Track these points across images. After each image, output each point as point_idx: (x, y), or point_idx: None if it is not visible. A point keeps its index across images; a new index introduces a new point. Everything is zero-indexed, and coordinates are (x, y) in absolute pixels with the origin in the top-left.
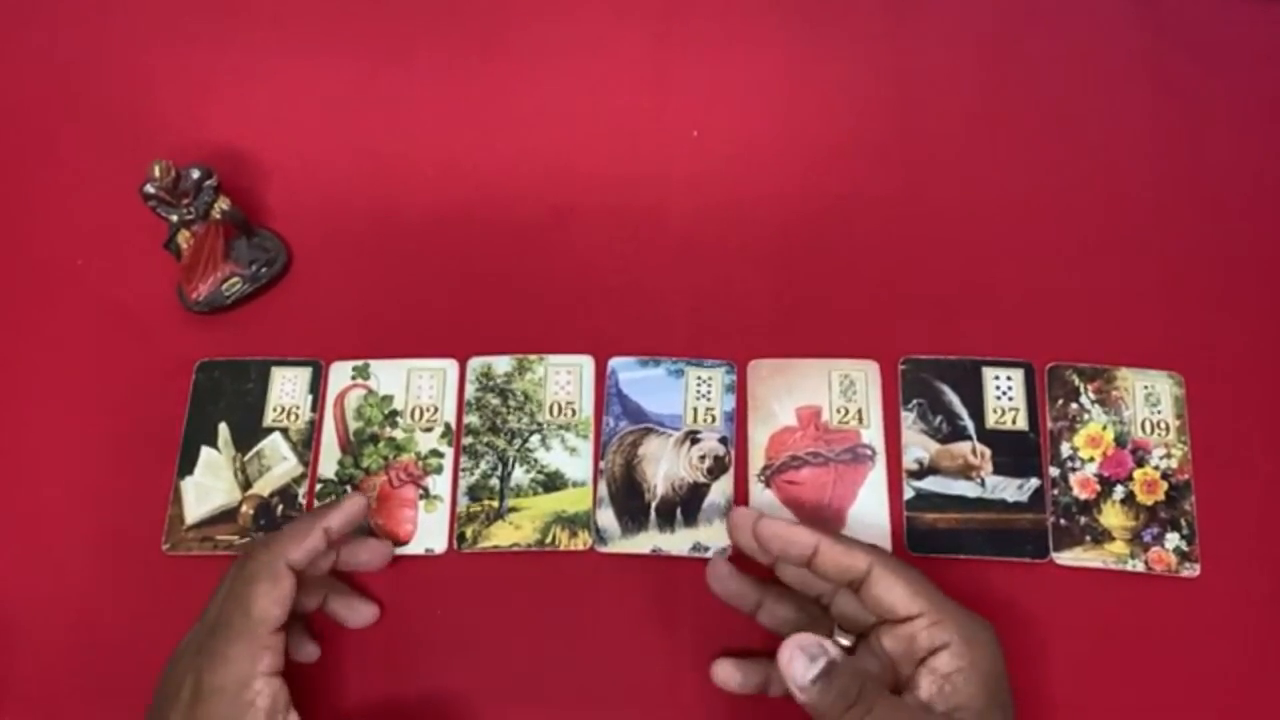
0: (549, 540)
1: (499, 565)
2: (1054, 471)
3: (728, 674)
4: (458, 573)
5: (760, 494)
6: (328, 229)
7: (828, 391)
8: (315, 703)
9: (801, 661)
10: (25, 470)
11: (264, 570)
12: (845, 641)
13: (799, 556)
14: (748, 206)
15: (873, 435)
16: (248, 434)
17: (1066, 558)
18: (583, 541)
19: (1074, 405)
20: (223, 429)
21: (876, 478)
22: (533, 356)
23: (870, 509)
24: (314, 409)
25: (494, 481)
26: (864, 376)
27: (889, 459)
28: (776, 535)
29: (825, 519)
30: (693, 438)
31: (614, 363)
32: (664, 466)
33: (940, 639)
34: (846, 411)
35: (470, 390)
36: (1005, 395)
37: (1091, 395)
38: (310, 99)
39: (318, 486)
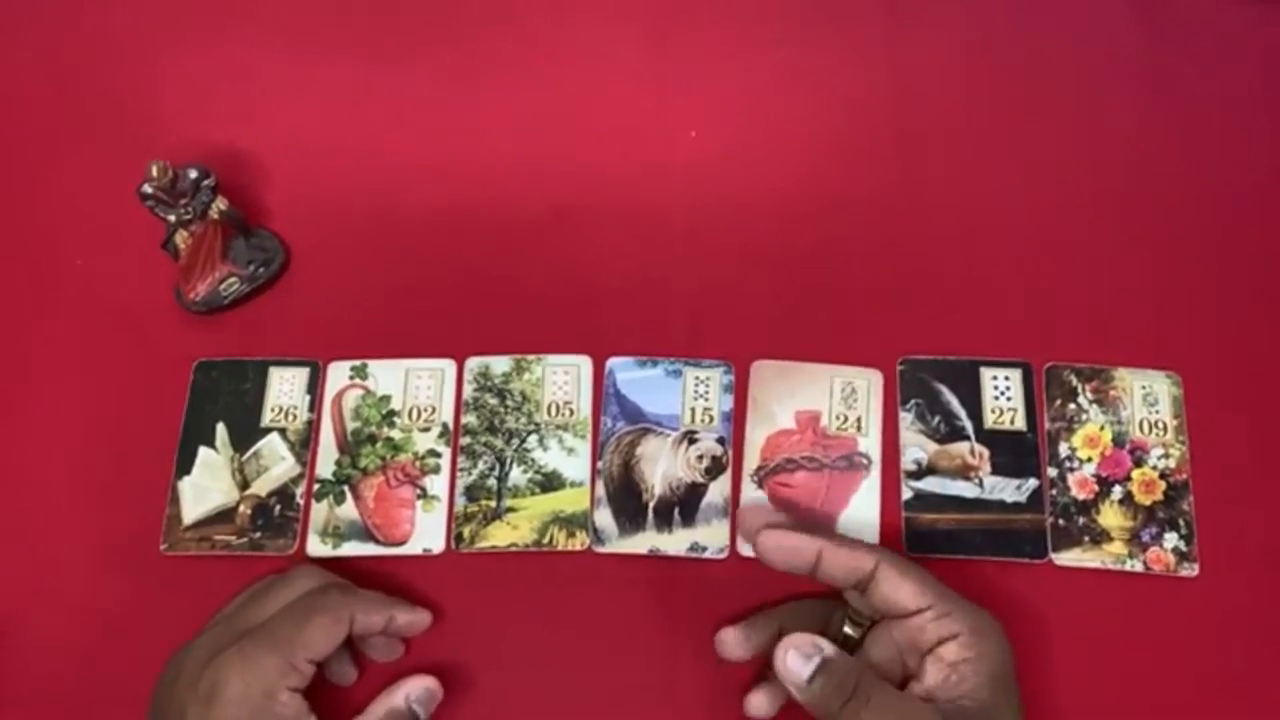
0: (546, 540)
1: (496, 565)
2: (1052, 472)
3: (735, 641)
4: (455, 573)
5: (753, 494)
6: (326, 229)
7: (828, 397)
8: (313, 702)
9: (797, 660)
10: (23, 470)
11: (334, 607)
12: (854, 632)
13: (805, 565)
14: (746, 207)
15: (870, 444)
16: (245, 434)
17: (1065, 558)
18: (580, 542)
19: (1072, 405)
20: (220, 429)
21: (870, 486)
22: (531, 356)
23: (862, 517)
24: (312, 409)
25: (491, 481)
26: (866, 385)
27: (885, 461)
28: (779, 547)
29: (816, 524)
30: (690, 438)
31: (612, 363)
32: (662, 467)
33: (949, 630)
34: (846, 419)
35: (468, 390)
36: (1003, 395)
37: (1089, 395)
38: (309, 99)
39: (315, 487)
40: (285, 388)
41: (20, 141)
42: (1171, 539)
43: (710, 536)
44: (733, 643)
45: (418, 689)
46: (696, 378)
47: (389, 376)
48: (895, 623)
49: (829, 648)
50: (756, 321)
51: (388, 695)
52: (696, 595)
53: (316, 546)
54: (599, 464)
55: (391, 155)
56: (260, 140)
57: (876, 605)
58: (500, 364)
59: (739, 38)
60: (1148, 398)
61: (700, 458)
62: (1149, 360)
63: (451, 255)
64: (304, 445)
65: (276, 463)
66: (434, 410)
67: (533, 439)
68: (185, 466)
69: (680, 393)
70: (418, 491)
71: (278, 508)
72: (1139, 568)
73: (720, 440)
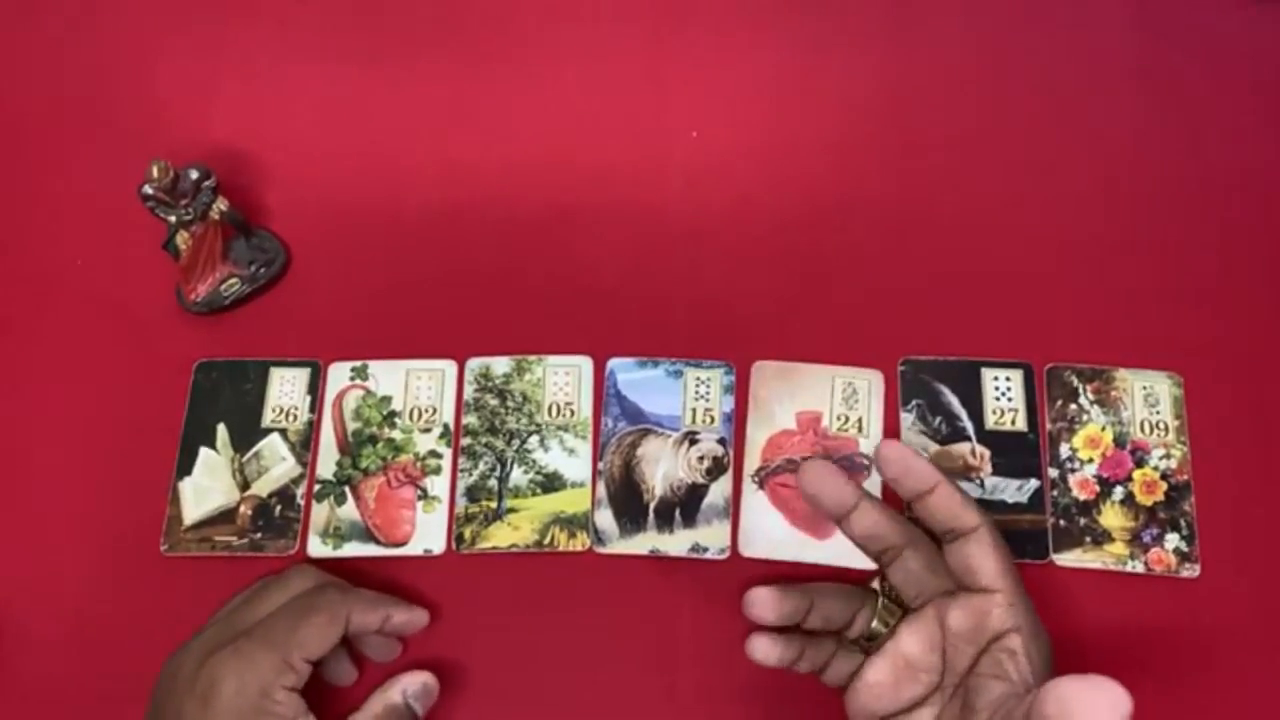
0: (547, 541)
1: (497, 566)
2: (1053, 472)
3: (766, 650)
4: (456, 573)
5: (753, 495)
6: (326, 229)
7: (829, 398)
8: (312, 702)
9: None
10: (24, 470)
11: (330, 607)
12: (883, 626)
13: (913, 489)
14: (747, 207)
15: (871, 444)
16: (246, 435)
17: (1066, 559)
18: (581, 542)
19: (1073, 406)
20: (221, 430)
21: (871, 487)
22: (531, 357)
23: None
24: (312, 410)
25: (492, 482)
26: (867, 386)
27: None
28: (900, 460)
29: (815, 524)
30: (691, 439)
31: (613, 363)
32: (663, 467)
33: (1013, 621)
34: (847, 419)
35: (469, 391)
36: (1004, 396)
37: (1090, 396)
38: (309, 99)
39: (316, 487)
40: (286, 388)
41: (20, 141)
42: (1173, 540)
43: (711, 537)
44: (766, 603)
45: (414, 684)
46: (697, 378)
47: (390, 377)
48: (959, 602)
49: None
50: (757, 322)
51: (383, 691)
52: (697, 596)
53: (317, 547)
54: (600, 465)
55: (391, 155)
56: (260, 140)
57: (955, 566)
58: (501, 364)
59: (739, 38)
60: (1149, 398)
61: (701, 458)
62: (1150, 361)
63: (452, 255)
64: (305, 446)
65: (277, 463)
66: (435, 411)
67: (534, 440)
68: (186, 467)
69: (681, 393)
70: (419, 492)
71: (278, 508)
72: (1140, 568)
73: (721, 441)
